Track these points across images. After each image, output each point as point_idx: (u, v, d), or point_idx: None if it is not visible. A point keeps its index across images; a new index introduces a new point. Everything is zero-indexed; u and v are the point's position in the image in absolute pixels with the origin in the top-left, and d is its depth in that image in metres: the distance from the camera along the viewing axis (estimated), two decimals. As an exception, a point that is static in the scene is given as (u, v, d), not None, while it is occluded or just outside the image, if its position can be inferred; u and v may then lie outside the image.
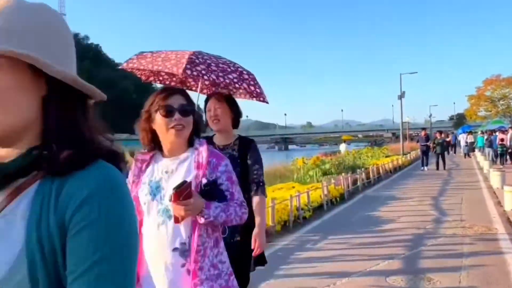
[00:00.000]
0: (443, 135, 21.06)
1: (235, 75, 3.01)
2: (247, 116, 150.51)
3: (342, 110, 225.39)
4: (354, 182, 12.75)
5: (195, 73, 2.93)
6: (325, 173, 12.85)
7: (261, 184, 2.74)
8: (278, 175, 12.08)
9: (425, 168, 19.39)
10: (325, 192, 9.74)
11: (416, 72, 35.73)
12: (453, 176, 16.90)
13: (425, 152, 19.93)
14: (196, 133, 2.02)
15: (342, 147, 21.57)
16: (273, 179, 11.70)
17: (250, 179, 2.72)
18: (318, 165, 12.75)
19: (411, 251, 5.93)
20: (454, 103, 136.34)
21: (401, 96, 31.72)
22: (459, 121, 71.46)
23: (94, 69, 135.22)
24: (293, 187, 10.09)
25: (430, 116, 60.75)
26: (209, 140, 2.69)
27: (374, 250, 6.02)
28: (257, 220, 2.64)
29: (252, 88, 3.05)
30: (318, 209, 9.23)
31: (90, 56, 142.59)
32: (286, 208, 7.19)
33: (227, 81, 2.96)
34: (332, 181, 11.09)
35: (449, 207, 9.56)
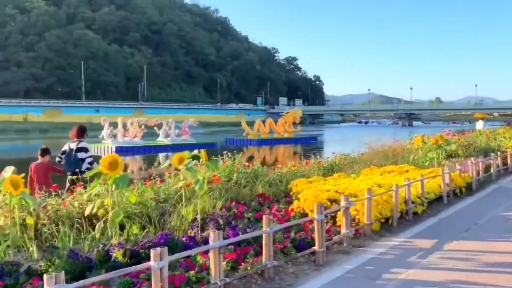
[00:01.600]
0: None
1: None
2: (369, 90, 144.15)
3: (476, 86, 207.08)
4: (486, 168, 10.26)
5: None
6: (449, 156, 10.53)
7: None
8: (389, 155, 10.08)
9: None
10: (447, 180, 7.64)
11: None
12: None
13: None
14: None
15: (479, 124, 18.45)
16: (384, 160, 9.78)
17: None
18: (440, 146, 10.45)
19: None
20: None
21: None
22: None
23: (222, 40, 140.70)
24: (407, 170, 8.11)
25: None
26: None
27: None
28: None
29: None
30: (435, 202, 7.21)
31: (219, 29, 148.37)
32: (390, 200, 5.41)
33: None
34: (457, 166, 8.85)
35: None
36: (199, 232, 4.04)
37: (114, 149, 30.25)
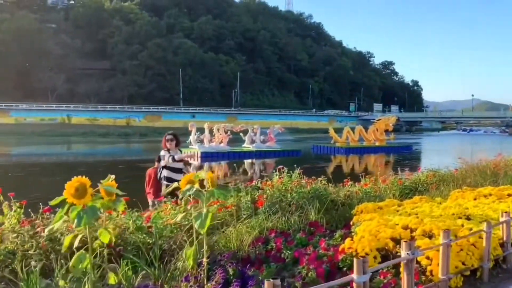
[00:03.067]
0: None
1: None
2: (472, 95, 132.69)
3: None
4: None
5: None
6: None
7: None
8: (488, 173, 8.36)
9: None
10: None
11: None
12: None
13: None
14: None
15: None
16: (481, 178, 8.12)
17: None
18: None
19: None
20: None
21: None
22: None
23: (314, 46, 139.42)
24: (509, 194, 6.52)
25: None
26: None
27: None
28: None
29: None
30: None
31: (312, 34, 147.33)
32: (479, 243, 3.90)
33: None
34: None
35: None
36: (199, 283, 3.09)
37: (200, 154, 30.64)
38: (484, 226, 3.76)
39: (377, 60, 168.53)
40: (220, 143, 33.49)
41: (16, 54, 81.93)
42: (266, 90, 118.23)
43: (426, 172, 8.64)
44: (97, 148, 52.27)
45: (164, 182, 6.89)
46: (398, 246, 3.69)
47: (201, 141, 32.95)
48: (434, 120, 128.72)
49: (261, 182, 5.93)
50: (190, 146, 33.14)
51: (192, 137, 32.70)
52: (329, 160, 34.04)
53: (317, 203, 5.19)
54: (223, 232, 4.10)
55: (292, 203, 5.41)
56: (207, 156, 30.45)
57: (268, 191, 5.46)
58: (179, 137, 7.37)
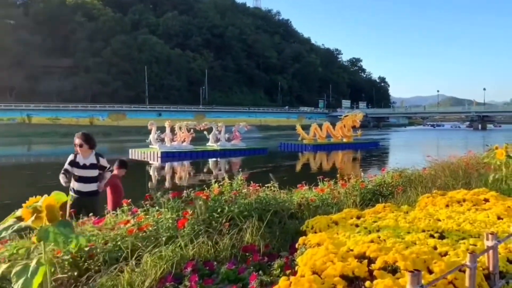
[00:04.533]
0: None
1: None
2: (438, 91, 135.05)
3: None
4: None
5: None
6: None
7: None
8: (460, 173, 7.53)
9: None
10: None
11: None
12: None
13: None
14: None
15: None
16: (452, 179, 7.26)
17: None
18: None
19: None
20: None
21: None
22: None
23: (283, 43, 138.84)
24: (485, 200, 5.64)
25: None
26: None
27: None
28: None
29: None
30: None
31: (280, 31, 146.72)
32: (459, 282, 2.81)
33: None
34: None
35: None
36: None
37: (159, 154, 29.21)
38: (466, 258, 2.77)
39: (345, 57, 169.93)
40: (182, 142, 32.14)
41: (-29, 52, 78.05)
42: (235, 87, 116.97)
43: (392, 173, 7.75)
44: (58, 149, 50.01)
45: (72, 194, 5.64)
46: (352, 285, 2.68)
47: (162, 140, 31.52)
48: (401, 115, 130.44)
49: (193, 192, 4.86)
50: (150, 146, 31.66)
51: (152, 136, 31.20)
52: (295, 158, 33.20)
53: (256, 219, 4.15)
54: (114, 270, 2.99)
55: (228, 218, 4.36)
56: (167, 156, 29.03)
57: (198, 204, 4.39)
58: (93, 139, 6.16)
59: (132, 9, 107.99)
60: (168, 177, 22.50)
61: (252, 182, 5.97)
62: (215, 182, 5.43)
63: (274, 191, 5.70)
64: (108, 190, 6.53)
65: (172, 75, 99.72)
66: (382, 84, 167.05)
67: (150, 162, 28.84)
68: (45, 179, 17.64)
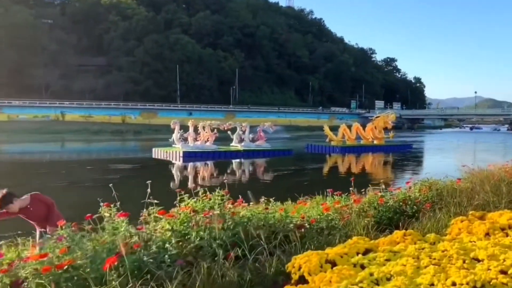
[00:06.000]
0: None
1: None
2: (475, 92, 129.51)
3: None
4: None
5: None
6: None
7: None
8: (503, 188, 6.22)
9: None
10: None
11: None
12: None
13: None
14: None
15: None
16: (493, 194, 5.99)
17: None
18: None
19: None
20: None
21: None
22: None
23: (315, 42, 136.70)
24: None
25: None
26: None
27: None
28: None
29: None
30: None
31: (313, 31, 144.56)
32: None
33: None
34: None
35: None
36: None
37: (182, 154, 28.54)
38: None
39: (379, 57, 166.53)
40: (206, 141, 31.37)
41: (9, 50, 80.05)
42: (265, 87, 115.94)
43: (420, 184, 6.52)
44: (91, 146, 50.48)
45: None
46: None
47: (185, 140, 30.84)
48: (436, 117, 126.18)
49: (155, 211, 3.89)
50: (173, 145, 31.06)
51: (175, 135, 30.57)
52: (322, 161, 31.84)
53: (220, 256, 3.11)
54: None
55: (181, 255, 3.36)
56: (190, 156, 28.31)
57: (145, 232, 3.40)
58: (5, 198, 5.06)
59: (165, 8, 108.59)
60: (185, 178, 21.74)
61: (250, 193, 4.94)
62: (191, 195, 4.46)
63: (267, 207, 4.68)
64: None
65: (203, 74, 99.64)
66: (418, 84, 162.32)
67: (173, 161, 28.23)
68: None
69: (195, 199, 4.24)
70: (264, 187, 17.21)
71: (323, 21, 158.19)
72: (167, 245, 3.35)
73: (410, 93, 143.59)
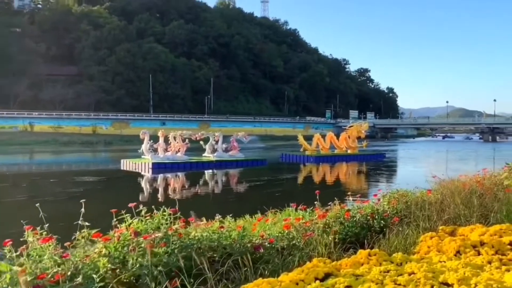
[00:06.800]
0: None
1: None
2: (447, 102, 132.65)
3: None
4: None
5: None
6: None
7: None
8: (474, 200, 5.97)
9: None
10: None
11: None
12: None
13: None
14: None
15: None
16: (464, 207, 5.71)
17: None
18: None
19: None
20: None
21: None
22: None
23: (290, 52, 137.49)
24: (511, 244, 4.13)
25: None
26: None
27: None
28: None
29: None
30: None
31: (288, 41, 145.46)
32: None
33: None
34: None
35: None
36: None
37: (151, 165, 27.79)
38: None
39: (353, 67, 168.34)
40: (177, 152, 30.69)
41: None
42: (240, 97, 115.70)
43: (388, 196, 6.22)
44: (60, 157, 48.98)
45: None
46: None
47: (155, 150, 30.08)
48: (409, 126, 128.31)
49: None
50: (142, 156, 30.26)
51: (145, 146, 29.74)
52: (296, 171, 31.58)
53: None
54: None
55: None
56: (159, 167, 27.58)
57: (72, 259, 2.93)
58: None
59: (138, 17, 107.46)
60: (154, 190, 21.06)
61: (192, 213, 4.50)
62: (134, 215, 4.01)
63: (223, 226, 4.26)
64: None
65: (176, 84, 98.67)
66: (390, 94, 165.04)
67: (142, 173, 27.44)
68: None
69: (137, 219, 3.78)
70: (234, 199, 16.75)
71: (298, 31, 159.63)
72: (94, 275, 2.88)
73: (383, 103, 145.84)
